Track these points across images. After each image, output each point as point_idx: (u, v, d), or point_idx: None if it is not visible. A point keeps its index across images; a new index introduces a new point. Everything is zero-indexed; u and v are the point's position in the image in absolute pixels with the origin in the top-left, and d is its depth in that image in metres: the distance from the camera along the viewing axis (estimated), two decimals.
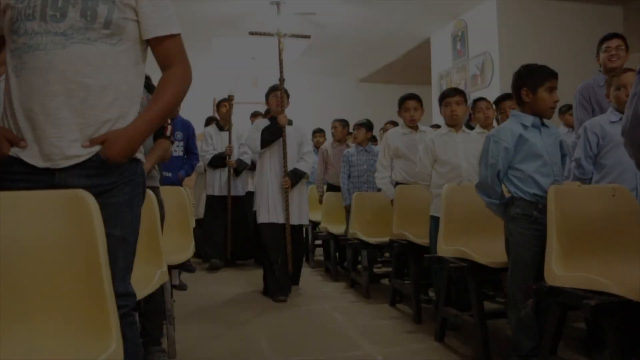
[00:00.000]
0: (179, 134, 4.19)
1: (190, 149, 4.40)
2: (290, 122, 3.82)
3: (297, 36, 4.24)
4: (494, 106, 3.56)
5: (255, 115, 5.52)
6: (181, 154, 4.30)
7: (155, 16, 1.36)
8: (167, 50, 1.39)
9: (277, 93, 3.80)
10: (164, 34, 1.38)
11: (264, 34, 4.22)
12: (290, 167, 3.76)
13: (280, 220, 3.73)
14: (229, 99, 4.90)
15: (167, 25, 1.38)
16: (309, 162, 3.90)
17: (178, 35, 1.41)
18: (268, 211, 3.74)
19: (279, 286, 3.65)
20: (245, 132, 4.86)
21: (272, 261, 3.70)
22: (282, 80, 3.86)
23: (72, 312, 1.21)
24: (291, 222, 3.74)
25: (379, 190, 4.34)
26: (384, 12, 5.77)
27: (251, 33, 4.13)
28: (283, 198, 3.75)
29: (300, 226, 3.94)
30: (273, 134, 3.73)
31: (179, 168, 4.28)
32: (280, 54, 3.93)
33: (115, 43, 1.32)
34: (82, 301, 1.21)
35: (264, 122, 3.85)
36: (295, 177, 3.78)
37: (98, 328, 1.17)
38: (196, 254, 5.04)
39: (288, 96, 3.92)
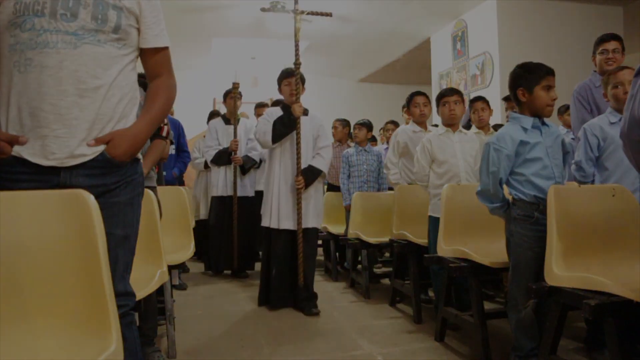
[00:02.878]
0: (171, 133, 4.20)
1: (181, 147, 4.52)
2: (305, 112, 3.38)
3: (317, 13, 3.63)
4: (504, 103, 3.54)
5: (261, 106, 4.92)
6: (174, 152, 4.38)
7: (155, 27, 1.43)
8: (160, 60, 1.48)
9: (291, 80, 3.33)
10: (162, 45, 1.46)
11: (279, 10, 3.98)
12: (304, 164, 3.31)
13: (286, 226, 3.30)
14: (234, 87, 4.39)
15: (163, 37, 1.46)
16: (326, 158, 3.39)
17: (168, 47, 1.50)
18: (270, 215, 3.34)
19: (275, 295, 3.34)
20: (254, 126, 4.40)
21: (268, 270, 3.39)
22: (298, 64, 3.33)
23: (72, 312, 1.21)
24: (304, 225, 3.29)
25: (379, 190, 4.37)
26: (384, 12, 5.77)
27: (263, 9, 3.76)
28: (294, 201, 3.29)
29: (316, 231, 3.44)
30: (286, 126, 3.26)
31: (172, 166, 4.42)
32: (296, 35, 3.41)
33: (121, 47, 1.36)
34: (82, 301, 1.21)
35: (276, 112, 3.36)
36: (310, 175, 3.30)
37: (98, 328, 1.17)
38: (196, 255, 5.05)
39: (303, 82, 3.39)
